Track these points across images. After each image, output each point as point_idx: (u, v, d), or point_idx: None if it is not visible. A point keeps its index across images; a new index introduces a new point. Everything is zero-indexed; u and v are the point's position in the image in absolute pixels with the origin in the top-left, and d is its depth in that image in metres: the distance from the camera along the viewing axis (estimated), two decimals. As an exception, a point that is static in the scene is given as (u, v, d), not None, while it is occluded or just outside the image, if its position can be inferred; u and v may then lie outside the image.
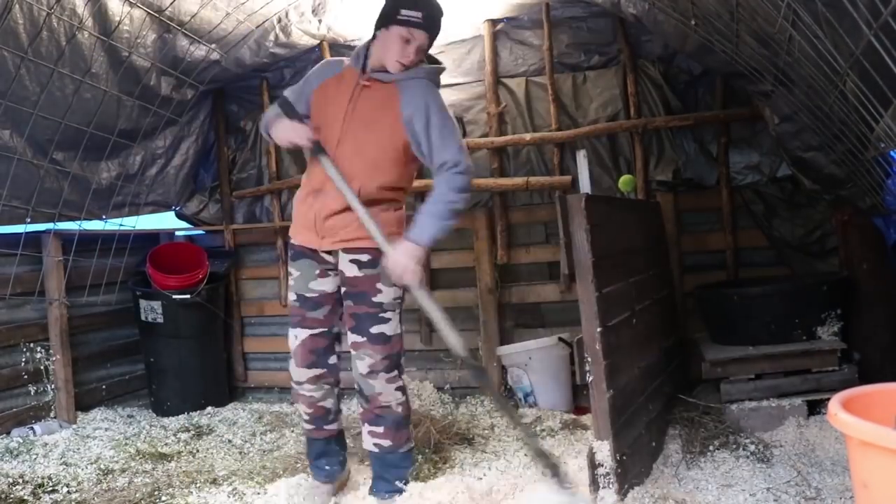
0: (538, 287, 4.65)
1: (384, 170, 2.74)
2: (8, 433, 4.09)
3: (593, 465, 2.60)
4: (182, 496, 3.17)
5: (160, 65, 4.28)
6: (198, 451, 3.90)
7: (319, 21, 4.66)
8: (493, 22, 4.59)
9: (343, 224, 2.74)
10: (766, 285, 3.87)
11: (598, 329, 2.64)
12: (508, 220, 4.69)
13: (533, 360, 4.22)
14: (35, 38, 3.50)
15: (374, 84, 2.72)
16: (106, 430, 4.28)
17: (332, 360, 2.91)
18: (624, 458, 2.66)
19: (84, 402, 4.56)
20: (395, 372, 2.84)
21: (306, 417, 2.97)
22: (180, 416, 4.64)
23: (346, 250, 2.77)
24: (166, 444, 4.01)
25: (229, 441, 4.07)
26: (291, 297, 2.87)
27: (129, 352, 4.94)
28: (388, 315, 2.79)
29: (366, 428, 2.87)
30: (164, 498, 3.17)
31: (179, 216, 5.30)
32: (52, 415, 4.36)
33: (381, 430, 2.83)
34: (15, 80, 3.57)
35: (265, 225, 5.18)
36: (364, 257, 2.76)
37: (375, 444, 2.86)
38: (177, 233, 5.44)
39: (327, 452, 3.01)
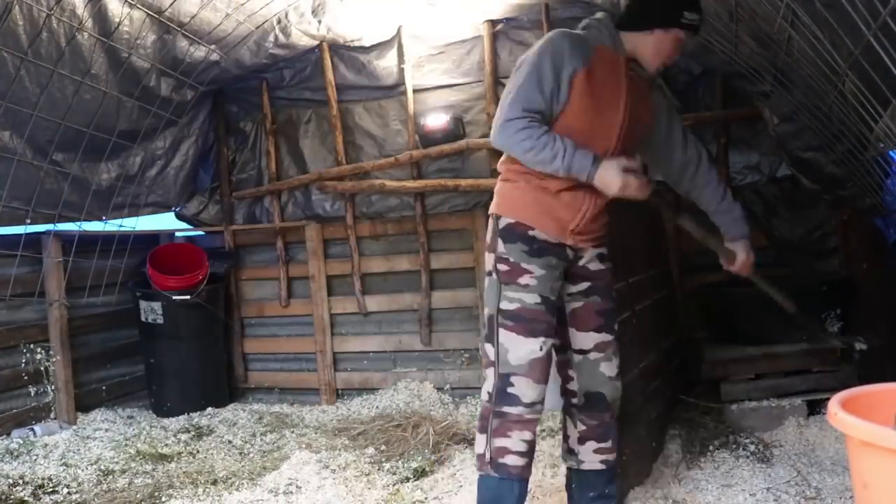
0: (538, 287, 4.63)
1: None
2: (8, 434, 4.10)
3: (593, 465, 2.60)
4: (182, 497, 3.18)
5: (160, 66, 4.28)
6: (198, 451, 3.90)
7: (319, 22, 4.66)
8: (493, 22, 4.59)
9: (602, 220, 2.46)
10: (766, 285, 3.87)
11: (598, 329, 2.63)
12: (508, 220, 4.67)
13: (533, 360, 4.21)
14: (35, 39, 3.50)
15: (636, 76, 2.42)
16: (106, 430, 4.29)
17: None
18: (624, 458, 2.66)
19: (84, 403, 4.56)
20: None
21: (525, 448, 2.32)
22: (180, 417, 4.64)
23: (596, 245, 2.46)
24: (166, 445, 4.01)
25: (229, 442, 4.07)
26: (534, 299, 2.31)
27: (129, 353, 4.94)
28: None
29: (591, 445, 2.48)
30: (164, 499, 3.17)
31: (179, 217, 5.30)
32: (52, 416, 4.37)
33: (608, 444, 2.49)
34: (15, 81, 3.57)
35: (265, 226, 5.19)
36: (606, 250, 2.51)
37: (603, 462, 2.49)
38: (177, 234, 5.44)
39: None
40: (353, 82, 4.90)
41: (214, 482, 3.35)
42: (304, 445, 3.83)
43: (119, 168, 4.58)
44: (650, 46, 2.39)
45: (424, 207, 4.84)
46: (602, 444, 2.48)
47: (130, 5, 3.81)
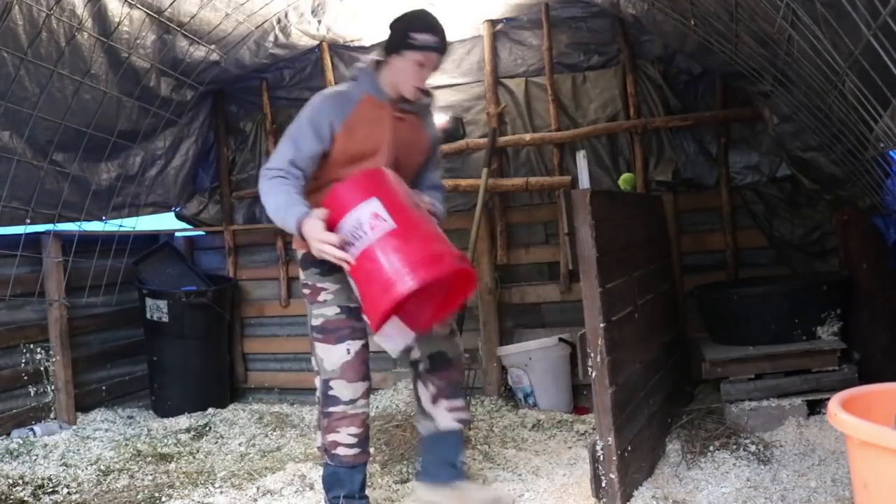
0: (538, 287, 4.64)
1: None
2: (8, 434, 4.09)
3: (595, 462, 2.60)
4: (182, 497, 3.17)
5: (160, 66, 4.29)
6: (198, 451, 3.90)
7: (319, 22, 4.66)
8: (493, 22, 4.59)
9: None
10: (766, 285, 3.87)
11: (602, 325, 2.63)
12: (508, 220, 4.68)
13: (533, 360, 4.22)
14: (35, 39, 3.50)
15: (405, 115, 2.67)
16: (106, 430, 4.29)
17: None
18: (625, 454, 2.65)
19: (84, 403, 4.56)
20: None
21: (353, 441, 2.61)
22: (181, 417, 4.63)
23: None
24: (166, 445, 4.01)
25: (229, 442, 4.06)
26: (333, 310, 2.61)
27: (130, 353, 4.94)
28: None
29: (444, 404, 2.74)
30: (164, 499, 3.17)
31: (179, 217, 5.30)
32: (52, 416, 4.36)
33: (459, 402, 2.78)
34: (15, 81, 3.57)
35: (265, 226, 5.18)
36: None
37: (457, 420, 2.75)
38: (177, 234, 5.44)
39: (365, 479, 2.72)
40: (353, 82, 4.90)
41: (214, 482, 3.35)
42: (304, 445, 3.83)
43: (119, 168, 4.58)
44: (393, 75, 2.60)
45: (424, 207, 4.83)
46: (454, 402, 2.73)
47: (130, 5, 3.81)
